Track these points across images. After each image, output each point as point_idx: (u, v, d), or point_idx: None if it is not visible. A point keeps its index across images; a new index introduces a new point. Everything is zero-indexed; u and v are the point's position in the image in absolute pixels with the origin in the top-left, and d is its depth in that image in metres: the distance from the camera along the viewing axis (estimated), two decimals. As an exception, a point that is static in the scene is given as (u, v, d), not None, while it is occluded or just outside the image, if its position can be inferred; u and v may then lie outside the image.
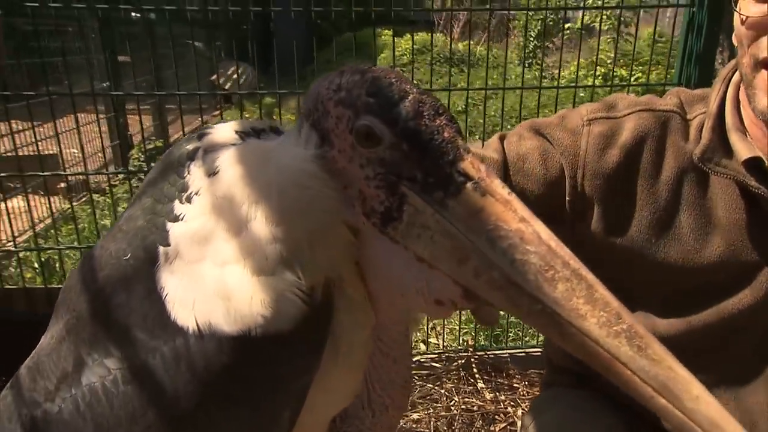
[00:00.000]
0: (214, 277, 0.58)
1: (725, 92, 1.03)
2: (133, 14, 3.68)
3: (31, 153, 3.03)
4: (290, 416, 0.64)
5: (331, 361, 0.64)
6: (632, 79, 5.24)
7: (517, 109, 3.13)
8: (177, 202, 0.63)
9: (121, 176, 3.71)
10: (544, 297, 0.54)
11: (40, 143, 2.71)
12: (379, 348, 0.70)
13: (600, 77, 5.54)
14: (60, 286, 2.44)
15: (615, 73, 5.95)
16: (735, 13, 0.94)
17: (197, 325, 0.57)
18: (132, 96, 3.03)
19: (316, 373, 0.64)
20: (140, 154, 3.98)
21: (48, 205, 2.89)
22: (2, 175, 2.41)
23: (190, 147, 0.69)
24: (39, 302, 2.17)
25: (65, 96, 2.34)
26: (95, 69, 3.79)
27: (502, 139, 1.19)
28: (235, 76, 7.32)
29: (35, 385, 0.63)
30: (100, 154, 3.90)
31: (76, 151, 3.94)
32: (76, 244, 2.63)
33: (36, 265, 2.96)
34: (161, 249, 0.61)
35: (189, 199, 0.63)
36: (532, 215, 0.57)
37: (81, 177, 3.62)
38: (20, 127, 2.85)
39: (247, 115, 4.10)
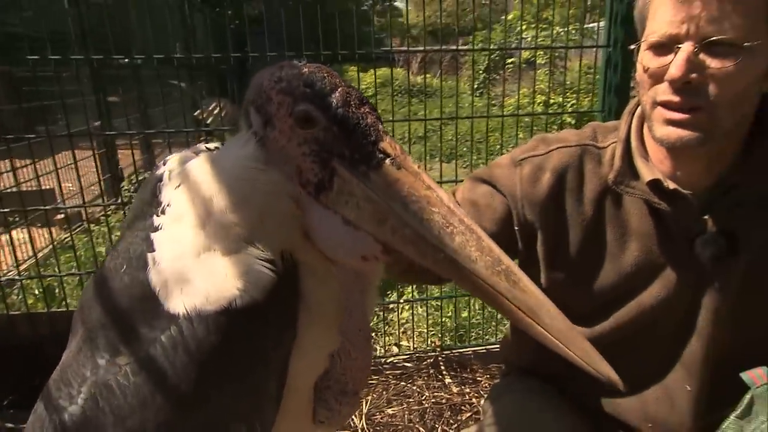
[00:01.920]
0: (192, 266, 0.63)
1: (631, 124, 1.11)
2: (121, 60, 3.69)
3: (31, 188, 2.99)
4: (276, 386, 0.68)
5: (305, 322, 0.68)
6: (567, 105, 5.48)
7: (470, 134, 3.26)
8: (155, 216, 0.69)
9: (113, 207, 3.68)
10: (445, 247, 0.62)
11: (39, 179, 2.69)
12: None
13: (540, 104, 5.77)
14: (61, 310, 2.41)
15: (552, 100, 6.21)
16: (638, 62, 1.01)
17: (186, 310, 0.61)
18: (124, 134, 3.03)
19: (293, 342, 0.68)
20: (131, 186, 3.96)
21: (49, 235, 2.86)
22: (5, 210, 2.38)
23: (158, 172, 0.75)
24: (41, 326, 2.15)
25: (63, 136, 2.35)
26: (88, 109, 3.77)
27: (454, 193, 1.26)
28: (216, 111, 7.32)
29: (60, 393, 0.66)
30: (93, 187, 3.86)
31: (70, 185, 3.89)
32: (75, 270, 2.61)
33: (37, 292, 2.90)
34: (149, 255, 0.66)
35: (163, 211, 0.69)
36: (436, 184, 0.65)
37: (77, 209, 3.58)
38: (20, 165, 2.82)
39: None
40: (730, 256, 1.02)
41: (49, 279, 2.84)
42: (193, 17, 5.47)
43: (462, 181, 2.28)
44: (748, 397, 0.85)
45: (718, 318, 1.06)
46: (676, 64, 0.89)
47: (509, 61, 5.93)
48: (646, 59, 0.97)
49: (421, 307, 2.81)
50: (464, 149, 5.75)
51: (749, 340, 1.08)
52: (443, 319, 2.70)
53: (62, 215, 3.81)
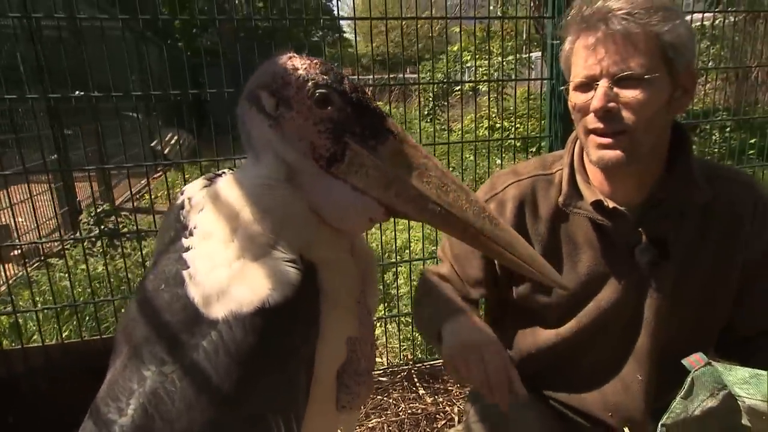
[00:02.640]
0: (226, 275, 0.67)
1: (573, 152, 1.24)
2: (77, 92, 3.57)
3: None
4: (306, 377, 0.72)
5: (325, 313, 0.72)
6: (512, 129, 5.72)
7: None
8: (183, 239, 0.72)
9: (71, 239, 3.51)
10: (442, 201, 0.73)
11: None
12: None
13: (486, 128, 6.01)
14: (35, 345, 2.26)
15: (497, 125, 6.48)
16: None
17: (224, 315, 0.65)
18: (82, 166, 2.92)
19: (318, 337, 0.72)
20: (90, 218, 3.80)
21: (3, 272, 2.69)
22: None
23: (178, 202, 0.78)
24: (16, 363, 2.02)
25: (19, 172, 2.24)
26: (44, 142, 3.61)
27: (439, 257, 1.37)
28: (173, 141, 7.16)
29: (108, 408, 0.66)
30: (50, 220, 3.67)
31: (22, 219, 3.69)
32: (31, 306, 2.46)
33: (6, 328, 2.71)
34: (184, 272, 0.69)
35: (191, 233, 0.72)
36: (431, 155, 0.75)
37: (32, 242, 3.39)
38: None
39: (187, 176, 4.05)
40: (663, 261, 1.15)
41: (18, 314, 2.66)
42: (148, 50, 5.38)
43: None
44: (689, 379, 0.94)
45: (660, 314, 1.18)
46: (596, 97, 1.05)
47: (456, 89, 6.17)
48: (573, 97, 1.13)
49: (391, 323, 2.84)
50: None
51: (688, 332, 1.20)
52: (414, 334, 2.73)
53: (18, 251, 3.60)
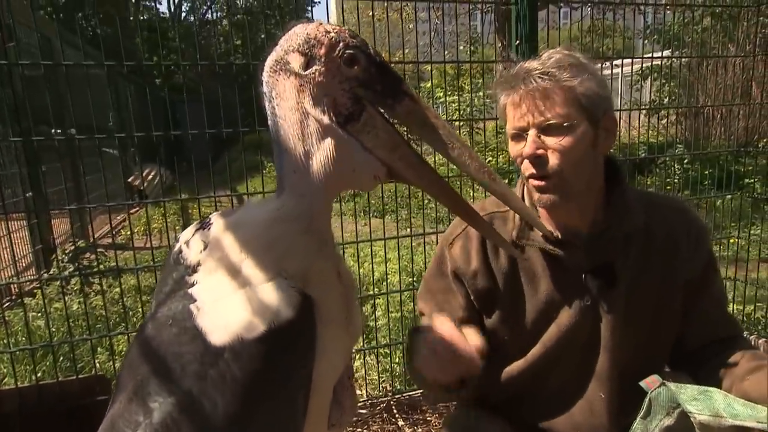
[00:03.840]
0: (232, 303, 0.71)
1: (524, 189, 1.33)
2: (53, 131, 3.57)
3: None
4: (304, 397, 0.75)
5: (321, 330, 0.76)
6: (486, 161, 5.86)
7: (399, 190, 3.43)
8: (186, 276, 0.76)
9: (46, 276, 3.44)
10: (448, 156, 0.81)
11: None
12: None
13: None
14: (8, 388, 2.19)
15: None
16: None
17: (231, 341, 0.68)
18: (56, 202, 2.91)
19: (315, 357, 0.75)
20: (64, 255, 3.74)
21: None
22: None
23: (175, 249, 0.82)
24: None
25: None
26: (20, 180, 3.58)
27: (421, 313, 1.44)
28: (150, 177, 7.12)
29: None
30: (23, 258, 3.60)
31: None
32: (4, 347, 2.40)
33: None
34: (192, 306, 0.72)
35: (194, 270, 0.76)
36: (440, 116, 0.82)
37: (7, 282, 3.31)
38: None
39: (166, 213, 4.03)
40: (612, 285, 1.25)
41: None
42: (127, 88, 5.42)
43: (393, 237, 2.46)
44: (647, 400, 1.01)
45: (615, 335, 1.27)
46: (527, 145, 1.19)
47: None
48: (511, 148, 1.27)
49: (370, 355, 2.85)
50: (394, 205, 5.96)
51: (642, 350, 1.29)
52: (393, 365, 2.75)
53: (-11, 290, 3.50)
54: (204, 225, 0.82)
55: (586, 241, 1.26)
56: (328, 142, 0.75)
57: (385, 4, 2.51)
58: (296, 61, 0.75)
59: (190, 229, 0.83)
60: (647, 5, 3.28)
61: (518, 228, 1.29)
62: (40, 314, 3.03)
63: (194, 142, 2.21)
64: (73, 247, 3.77)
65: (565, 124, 1.16)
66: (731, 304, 3.23)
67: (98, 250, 4.09)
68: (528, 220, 0.84)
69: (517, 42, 2.15)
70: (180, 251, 0.80)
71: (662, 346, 1.34)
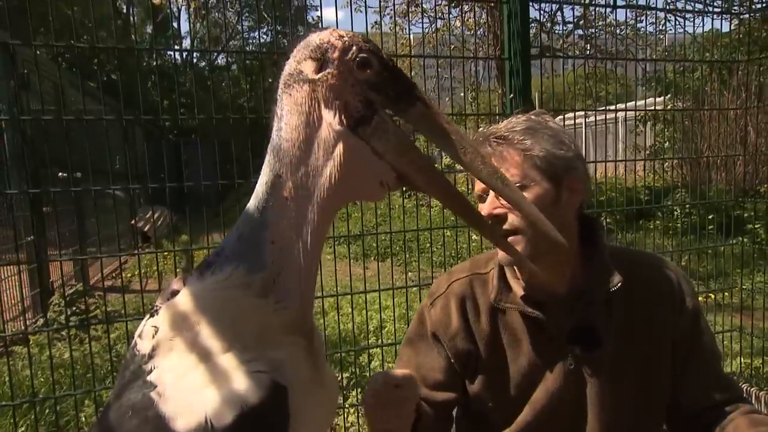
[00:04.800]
0: (195, 383, 0.67)
1: None
2: (60, 174, 3.63)
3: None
4: None
5: (293, 406, 0.72)
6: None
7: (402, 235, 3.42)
8: (143, 365, 0.73)
9: (41, 323, 3.41)
10: (461, 162, 0.79)
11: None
12: None
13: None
14: None
15: (474, 202, 6.68)
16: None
17: (196, 428, 0.64)
18: (58, 245, 2.91)
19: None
20: (60, 300, 3.71)
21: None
22: None
23: (133, 342, 0.79)
24: None
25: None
26: (19, 223, 3.61)
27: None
28: (152, 219, 7.18)
29: None
30: (17, 304, 3.58)
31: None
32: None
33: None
34: (152, 393, 0.68)
35: (150, 357, 0.73)
36: (451, 121, 0.81)
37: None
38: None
39: (166, 254, 4.02)
40: (595, 347, 1.21)
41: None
42: (133, 131, 5.54)
43: (388, 288, 2.43)
44: None
45: (603, 399, 1.22)
46: (486, 206, 1.21)
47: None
48: (479, 207, 1.26)
49: (365, 408, 2.75)
50: (397, 248, 5.94)
51: (632, 413, 1.24)
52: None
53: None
54: (153, 312, 0.79)
55: (565, 302, 1.23)
56: (338, 147, 0.75)
57: (396, 57, 2.58)
58: (309, 68, 0.76)
59: (143, 323, 0.80)
60: (646, 61, 3.35)
61: (497, 290, 1.27)
62: (27, 364, 2.98)
63: (195, 186, 2.22)
64: (70, 292, 3.76)
65: (517, 185, 1.15)
66: (740, 357, 3.13)
67: (97, 293, 4.08)
68: (540, 226, 0.82)
69: (511, 95, 2.18)
70: (134, 345, 0.77)
71: (654, 408, 1.28)
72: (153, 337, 0.75)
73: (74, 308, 3.70)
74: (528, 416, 1.26)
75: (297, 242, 0.75)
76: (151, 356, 0.73)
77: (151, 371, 0.72)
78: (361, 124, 0.75)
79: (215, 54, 18.37)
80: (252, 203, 0.77)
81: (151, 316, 0.79)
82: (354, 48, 0.76)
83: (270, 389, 0.69)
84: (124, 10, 17.67)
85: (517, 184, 1.15)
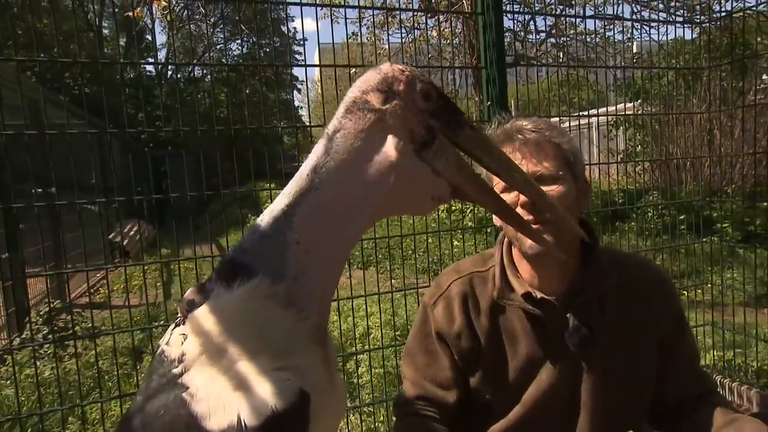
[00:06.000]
0: (227, 385, 0.71)
1: (502, 250, 1.39)
2: (33, 190, 3.57)
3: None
4: None
5: (313, 407, 0.76)
6: (467, 210, 5.99)
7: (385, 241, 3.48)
8: (173, 370, 0.76)
9: (17, 341, 3.34)
10: (507, 179, 0.91)
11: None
12: None
13: (444, 210, 6.29)
14: None
15: (453, 207, 6.79)
16: None
17: (228, 427, 0.68)
18: (34, 261, 2.87)
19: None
20: (38, 317, 3.64)
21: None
22: None
23: (158, 351, 0.82)
24: None
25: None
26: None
27: (404, 376, 1.44)
28: (131, 233, 7.08)
29: None
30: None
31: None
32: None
33: None
34: (184, 394, 0.71)
35: (180, 361, 0.76)
36: (494, 141, 0.93)
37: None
38: None
39: (147, 269, 3.97)
40: (591, 344, 1.27)
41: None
42: (111, 144, 5.48)
43: (374, 293, 2.46)
44: None
45: (596, 395, 1.28)
46: (511, 195, 1.23)
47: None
48: (503, 196, 1.28)
49: (354, 414, 2.78)
50: (380, 256, 5.97)
51: (622, 407, 1.30)
52: (376, 424, 2.68)
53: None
54: (178, 322, 0.82)
55: (564, 301, 1.29)
56: (401, 168, 0.82)
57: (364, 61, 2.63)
58: (375, 99, 0.83)
59: (169, 331, 0.84)
60: (616, 68, 3.50)
61: (498, 288, 1.32)
62: (9, 382, 2.92)
63: (177, 199, 2.23)
64: (47, 309, 3.69)
65: (559, 173, 1.23)
66: (713, 350, 3.25)
67: (74, 310, 4.01)
68: (564, 222, 0.96)
69: (489, 103, 2.26)
70: (162, 351, 0.80)
71: (640, 404, 1.35)
72: (182, 344, 0.77)
73: (53, 325, 3.63)
74: (521, 411, 1.31)
75: (326, 246, 0.80)
76: (181, 360, 0.76)
77: (182, 374, 0.74)
78: (424, 148, 0.83)
79: (191, 66, 18.24)
80: (276, 207, 0.81)
81: (177, 325, 0.81)
82: (417, 81, 0.85)
83: (297, 395, 0.73)
84: (96, 24, 17.44)
85: (554, 176, 1.23)
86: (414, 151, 0.83)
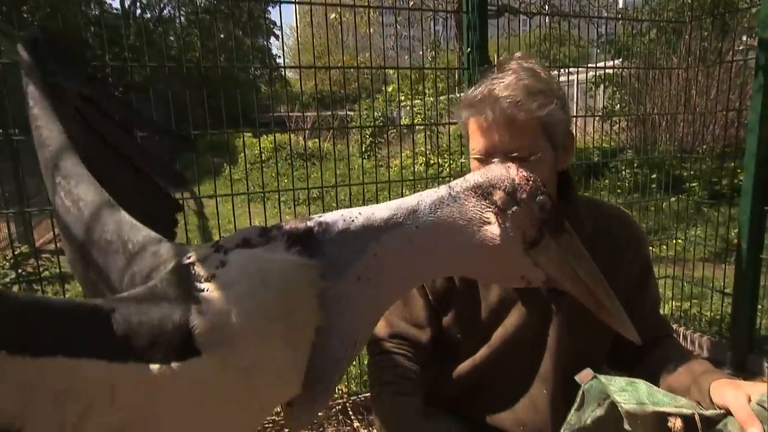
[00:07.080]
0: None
1: None
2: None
3: None
4: None
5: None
6: (446, 165, 5.99)
7: (362, 194, 3.47)
8: (194, 281, 0.75)
9: (-17, 285, 3.27)
10: (594, 283, 0.97)
11: None
12: None
13: (422, 164, 6.28)
14: None
15: (432, 161, 6.78)
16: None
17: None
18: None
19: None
20: (6, 261, 3.57)
21: None
22: None
23: (188, 260, 0.79)
24: None
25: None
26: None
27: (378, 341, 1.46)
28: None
29: None
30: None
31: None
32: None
33: None
34: (193, 305, 0.72)
35: (208, 280, 0.74)
36: (584, 247, 0.95)
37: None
38: None
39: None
40: (562, 290, 1.30)
41: None
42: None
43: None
44: (580, 393, 1.08)
45: (561, 339, 1.35)
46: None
47: (391, 128, 6.44)
48: (473, 166, 1.30)
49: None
50: (360, 203, 5.97)
51: (584, 350, 1.38)
52: (349, 368, 2.77)
53: None
54: (219, 247, 0.80)
55: None
56: (507, 255, 0.89)
57: (353, 8, 2.55)
58: (499, 198, 0.89)
59: (202, 251, 0.81)
60: (600, 18, 3.47)
61: None
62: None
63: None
64: (13, 253, 3.61)
65: (531, 158, 1.21)
66: (672, 301, 3.43)
67: (43, 255, 3.93)
68: (624, 328, 1.02)
69: (469, 50, 2.22)
70: (191, 263, 0.78)
71: (602, 348, 1.43)
72: (216, 268, 0.76)
73: (20, 271, 3.57)
74: (487, 351, 1.37)
75: (396, 274, 0.85)
76: (208, 279, 0.75)
77: (201, 290, 0.73)
78: (532, 247, 0.91)
79: (162, 5, 17.29)
80: (376, 215, 0.83)
81: (217, 251, 0.79)
82: (538, 192, 0.91)
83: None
84: (56, -47, 16.18)
85: (532, 158, 1.21)
86: (524, 250, 0.91)
